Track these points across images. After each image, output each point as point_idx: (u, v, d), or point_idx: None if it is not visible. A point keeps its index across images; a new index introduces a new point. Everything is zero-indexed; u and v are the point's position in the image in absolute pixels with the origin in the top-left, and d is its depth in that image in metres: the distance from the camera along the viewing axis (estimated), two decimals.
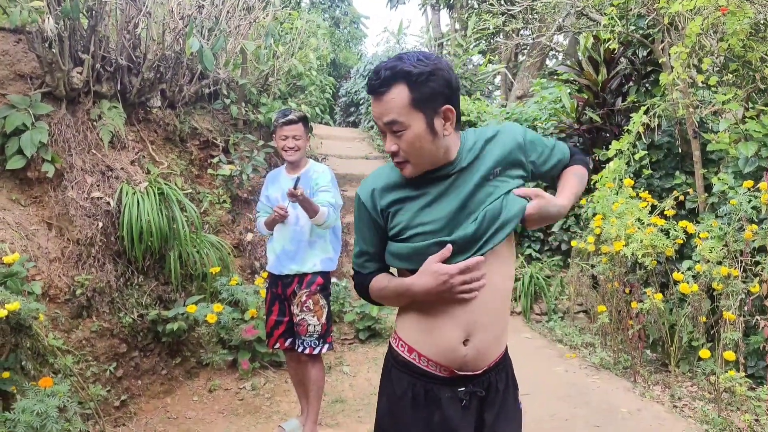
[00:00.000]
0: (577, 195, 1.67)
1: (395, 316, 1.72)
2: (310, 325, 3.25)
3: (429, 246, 1.51)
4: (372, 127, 9.87)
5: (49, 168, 3.83)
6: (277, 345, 3.42)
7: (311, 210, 3.08)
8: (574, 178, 1.70)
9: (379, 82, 1.44)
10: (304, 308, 3.25)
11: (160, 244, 4.09)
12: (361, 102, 11.16)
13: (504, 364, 1.66)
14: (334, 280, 5.45)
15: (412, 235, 1.53)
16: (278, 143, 3.31)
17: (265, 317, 3.50)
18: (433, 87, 1.43)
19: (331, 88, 6.43)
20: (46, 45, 3.91)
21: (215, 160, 5.08)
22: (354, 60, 13.55)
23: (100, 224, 3.90)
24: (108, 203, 3.95)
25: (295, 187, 2.98)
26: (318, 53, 5.99)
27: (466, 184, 1.53)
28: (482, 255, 1.50)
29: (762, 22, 4.01)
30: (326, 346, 3.32)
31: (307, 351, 3.27)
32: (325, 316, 3.29)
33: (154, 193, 4.10)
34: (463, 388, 1.56)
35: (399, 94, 1.43)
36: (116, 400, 3.70)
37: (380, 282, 1.65)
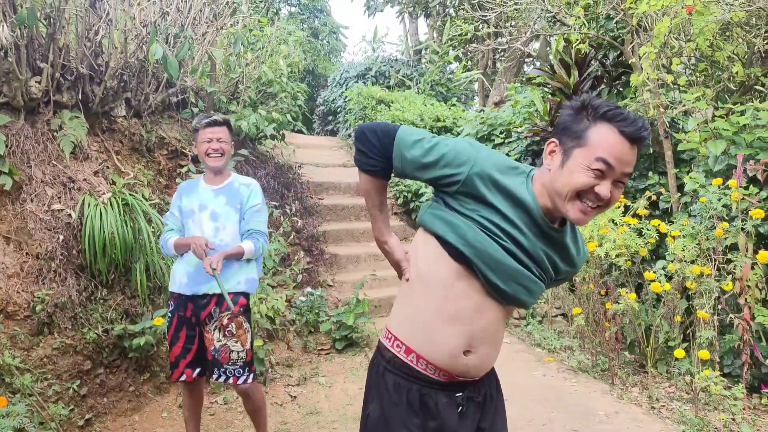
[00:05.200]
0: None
1: (378, 320, 1.69)
2: (233, 351, 2.87)
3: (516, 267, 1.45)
4: (350, 136, 9.80)
5: (7, 180, 3.70)
6: (184, 377, 3.00)
7: (236, 257, 2.87)
8: None
9: (648, 140, 1.41)
10: (226, 333, 2.87)
11: (125, 257, 3.96)
12: (338, 110, 11.10)
13: (493, 370, 1.66)
14: (308, 289, 5.34)
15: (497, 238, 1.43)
16: (200, 148, 2.96)
17: (168, 346, 3.07)
18: None
19: (303, 96, 6.36)
20: (2, 54, 3.80)
21: (184, 169, 4.97)
22: (332, 70, 13.54)
23: (61, 237, 3.78)
24: (69, 215, 3.83)
25: (229, 312, 2.81)
26: (289, 60, 5.92)
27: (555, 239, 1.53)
28: None
29: (729, 20, 4.03)
30: (251, 375, 2.96)
31: (230, 381, 2.90)
32: (249, 341, 2.93)
33: (118, 204, 3.98)
34: (460, 393, 1.52)
35: None
36: (80, 419, 3.56)
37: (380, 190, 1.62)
